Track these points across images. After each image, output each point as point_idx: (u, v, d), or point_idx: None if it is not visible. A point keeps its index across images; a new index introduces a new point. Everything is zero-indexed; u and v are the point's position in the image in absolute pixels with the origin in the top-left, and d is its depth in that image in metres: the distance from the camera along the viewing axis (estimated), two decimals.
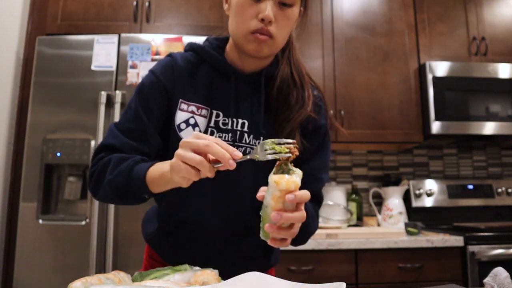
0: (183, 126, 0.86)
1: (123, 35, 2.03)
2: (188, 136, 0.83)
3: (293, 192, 0.60)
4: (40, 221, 1.85)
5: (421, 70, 2.34)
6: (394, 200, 2.33)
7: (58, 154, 1.89)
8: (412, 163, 2.65)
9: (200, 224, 0.88)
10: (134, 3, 2.19)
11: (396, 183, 2.48)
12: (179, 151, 0.63)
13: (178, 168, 0.62)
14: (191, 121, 0.86)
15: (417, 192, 2.46)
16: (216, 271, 0.65)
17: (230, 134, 0.86)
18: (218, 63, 0.89)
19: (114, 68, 1.97)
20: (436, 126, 2.24)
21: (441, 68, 2.29)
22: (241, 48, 0.85)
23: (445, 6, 2.45)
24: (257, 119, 0.87)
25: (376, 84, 2.34)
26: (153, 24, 2.19)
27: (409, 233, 2.03)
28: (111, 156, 0.81)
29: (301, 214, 0.63)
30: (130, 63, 1.98)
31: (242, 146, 0.87)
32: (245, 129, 0.87)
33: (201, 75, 0.89)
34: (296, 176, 0.62)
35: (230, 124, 0.87)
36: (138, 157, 0.80)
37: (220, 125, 0.87)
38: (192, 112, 0.86)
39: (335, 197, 2.33)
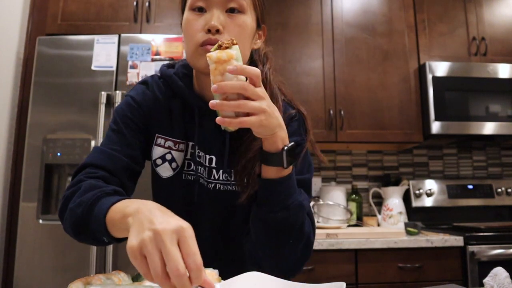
0: (159, 161, 0.83)
1: (123, 35, 2.03)
2: (165, 172, 0.84)
3: (227, 62, 0.58)
4: (40, 221, 1.85)
5: (421, 70, 2.35)
6: (394, 200, 2.33)
7: (58, 154, 1.89)
8: (412, 163, 2.65)
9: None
10: (134, 3, 2.19)
11: (396, 183, 2.48)
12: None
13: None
14: (168, 156, 0.83)
15: (417, 192, 2.46)
16: (216, 271, 0.65)
17: (203, 169, 0.83)
18: (185, 96, 0.83)
19: (114, 68, 1.98)
20: (436, 126, 2.24)
21: (441, 68, 2.29)
22: (195, 68, 0.79)
23: (445, 6, 2.45)
24: (222, 155, 0.82)
25: (376, 84, 2.34)
26: (153, 24, 2.19)
27: (409, 233, 2.03)
28: (86, 180, 0.71)
29: (240, 82, 0.59)
30: (130, 63, 1.99)
31: (211, 183, 0.83)
32: (213, 164, 0.83)
33: (176, 107, 0.84)
34: (231, 49, 0.60)
35: (202, 159, 0.83)
36: (110, 187, 0.69)
37: (196, 157, 0.83)
38: (169, 147, 0.83)
39: (335, 197, 2.33)
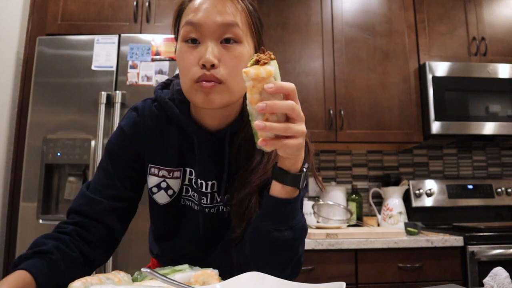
0: (155, 190, 0.83)
1: (123, 35, 2.03)
2: (161, 199, 0.82)
3: (266, 80, 0.56)
4: (40, 221, 1.85)
5: (421, 70, 2.35)
6: (394, 200, 2.33)
7: (58, 154, 1.89)
8: (412, 163, 2.65)
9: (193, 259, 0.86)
10: (134, 3, 2.19)
11: (396, 183, 2.48)
12: None
13: None
14: (163, 184, 0.82)
15: (417, 192, 2.46)
16: (216, 271, 0.65)
17: (201, 196, 0.82)
18: (182, 123, 0.80)
19: (114, 68, 1.97)
20: (436, 126, 2.24)
21: (441, 68, 2.29)
22: (192, 102, 0.76)
23: (445, 6, 2.45)
24: (223, 180, 0.81)
25: (376, 84, 2.34)
26: (153, 24, 2.19)
27: (409, 233, 2.03)
28: (61, 227, 0.77)
29: (289, 102, 0.57)
30: (130, 63, 1.99)
31: (214, 206, 0.83)
32: (215, 189, 0.82)
33: (169, 135, 0.82)
34: (269, 66, 0.57)
35: (199, 186, 0.81)
36: (34, 250, 0.70)
37: (193, 184, 0.82)
38: (164, 176, 0.82)
39: (335, 197, 2.33)
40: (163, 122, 0.82)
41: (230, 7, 0.72)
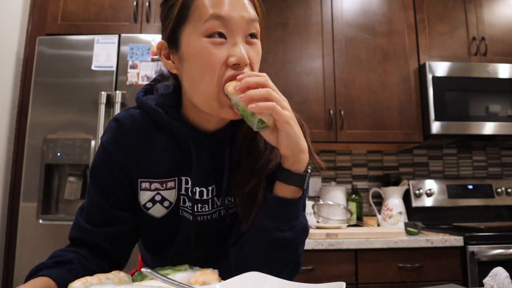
0: (149, 205, 0.77)
1: (123, 35, 2.03)
2: (157, 212, 0.78)
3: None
4: (40, 221, 1.85)
5: (421, 70, 2.35)
6: (394, 200, 2.33)
7: (58, 154, 1.89)
8: (412, 163, 2.65)
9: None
10: (134, 3, 2.19)
11: (396, 183, 2.48)
12: None
13: None
14: (157, 197, 0.76)
15: (417, 192, 2.46)
16: (216, 271, 0.65)
17: (200, 205, 0.78)
18: (175, 128, 0.75)
19: (114, 68, 1.98)
20: (436, 126, 2.24)
21: (441, 68, 2.29)
22: (214, 114, 0.70)
23: (445, 6, 2.45)
24: (223, 182, 0.78)
25: (376, 84, 2.34)
26: (153, 24, 2.19)
27: (409, 233, 2.03)
28: (61, 250, 0.75)
29: (261, 77, 0.65)
30: (130, 63, 1.99)
31: (215, 212, 0.80)
32: (215, 193, 0.78)
33: (159, 144, 0.76)
34: None
35: (198, 194, 0.77)
36: (54, 259, 0.70)
37: (189, 193, 0.77)
38: (157, 189, 0.76)
39: (335, 197, 2.33)
40: (150, 131, 0.76)
41: (249, 0, 0.70)
